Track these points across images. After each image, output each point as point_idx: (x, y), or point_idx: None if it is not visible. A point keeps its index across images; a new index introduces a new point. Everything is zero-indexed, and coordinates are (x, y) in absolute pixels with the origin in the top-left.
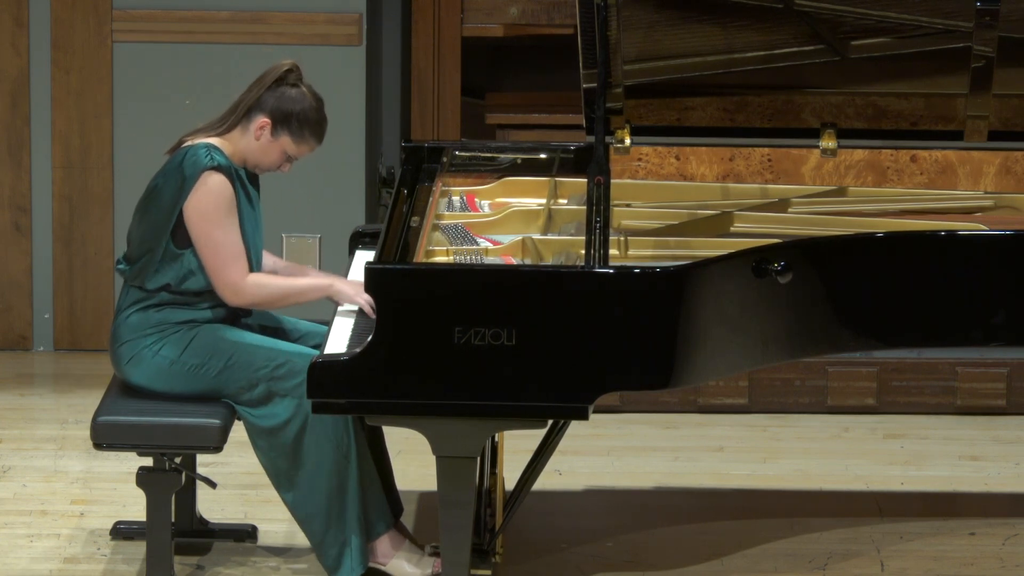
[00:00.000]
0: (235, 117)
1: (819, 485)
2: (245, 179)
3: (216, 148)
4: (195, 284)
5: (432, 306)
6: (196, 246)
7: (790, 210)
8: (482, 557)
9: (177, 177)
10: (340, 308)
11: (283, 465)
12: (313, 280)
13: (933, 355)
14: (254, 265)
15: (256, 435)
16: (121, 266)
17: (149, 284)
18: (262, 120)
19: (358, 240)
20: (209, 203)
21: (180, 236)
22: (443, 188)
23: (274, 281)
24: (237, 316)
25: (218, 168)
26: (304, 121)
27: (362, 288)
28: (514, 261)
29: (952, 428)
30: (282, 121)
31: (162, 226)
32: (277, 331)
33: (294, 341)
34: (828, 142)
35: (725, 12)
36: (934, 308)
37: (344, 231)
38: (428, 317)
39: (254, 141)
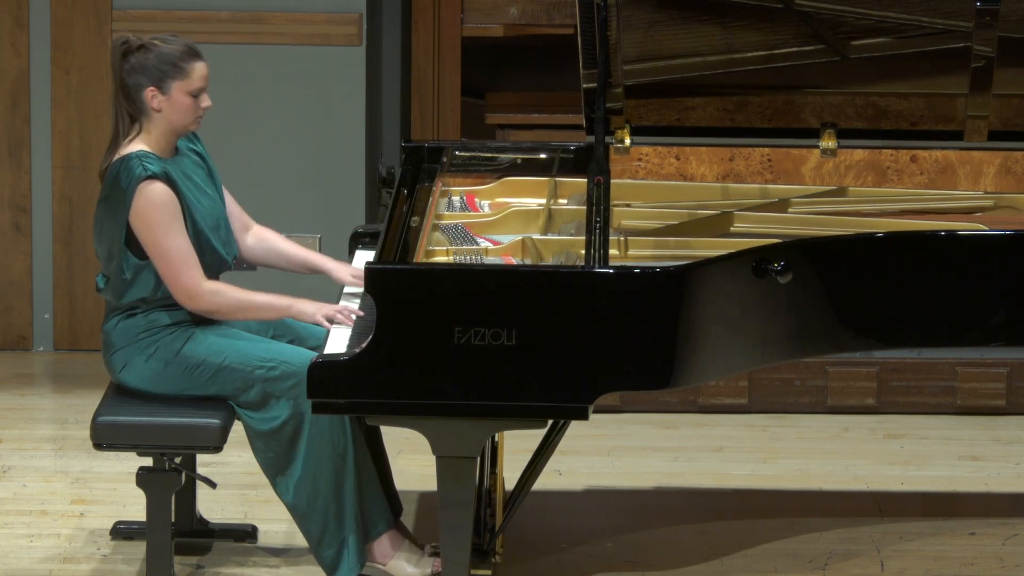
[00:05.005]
0: (128, 116)
1: (819, 485)
2: (187, 165)
3: (145, 154)
4: (167, 290)
5: (432, 306)
6: (149, 256)
7: (790, 210)
8: (482, 557)
9: (118, 191)
10: None
11: (280, 465)
12: (272, 298)
13: (933, 355)
14: (223, 241)
15: (253, 436)
16: (100, 280)
17: (124, 299)
18: (147, 92)
19: (358, 240)
20: (151, 213)
21: (137, 248)
22: (443, 188)
23: (231, 292)
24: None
25: (153, 177)
26: (170, 59)
27: (323, 305)
28: (514, 261)
29: (952, 428)
30: (158, 77)
31: (117, 240)
32: (278, 331)
33: (292, 340)
34: (828, 142)
35: (725, 12)
36: (934, 308)
37: (344, 231)
38: (428, 317)
39: (160, 113)
